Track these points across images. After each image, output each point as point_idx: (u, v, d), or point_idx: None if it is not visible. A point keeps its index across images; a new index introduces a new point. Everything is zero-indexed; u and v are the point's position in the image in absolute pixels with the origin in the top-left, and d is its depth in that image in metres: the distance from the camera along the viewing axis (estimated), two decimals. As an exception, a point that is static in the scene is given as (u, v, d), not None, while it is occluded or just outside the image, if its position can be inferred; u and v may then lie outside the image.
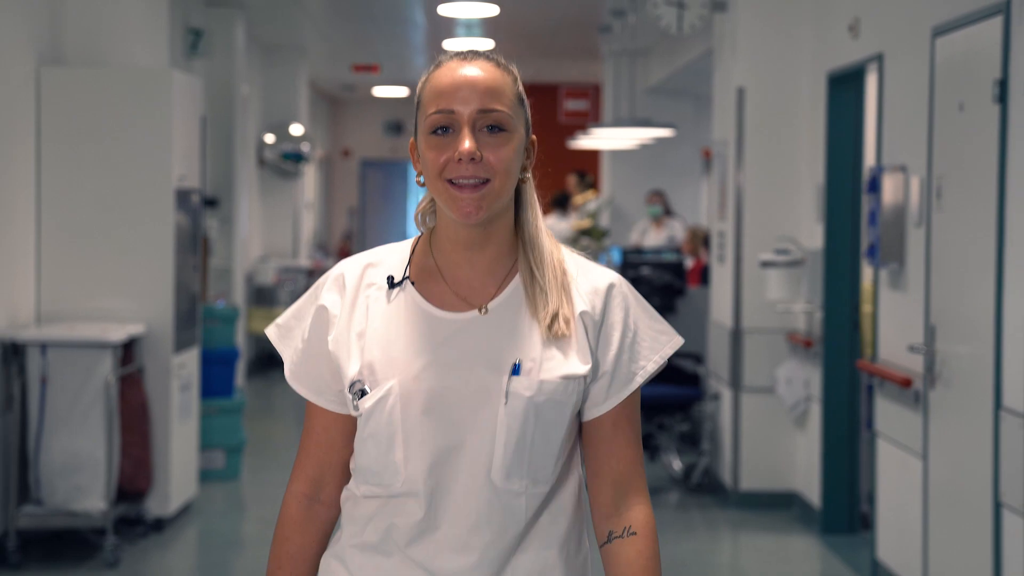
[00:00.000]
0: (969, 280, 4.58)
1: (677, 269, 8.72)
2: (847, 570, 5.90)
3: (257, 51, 12.14)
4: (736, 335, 7.02)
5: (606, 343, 1.89)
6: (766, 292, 6.81)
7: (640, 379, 1.90)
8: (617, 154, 12.40)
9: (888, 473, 5.50)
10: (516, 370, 1.85)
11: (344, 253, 18.25)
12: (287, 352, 1.95)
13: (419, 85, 1.91)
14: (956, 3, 4.67)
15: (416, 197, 17.83)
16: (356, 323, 1.89)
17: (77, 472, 5.73)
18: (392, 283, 1.91)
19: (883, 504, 5.56)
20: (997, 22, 4.34)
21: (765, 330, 6.96)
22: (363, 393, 1.86)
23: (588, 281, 1.91)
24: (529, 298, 1.88)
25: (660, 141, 11.05)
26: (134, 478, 6.05)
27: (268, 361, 12.32)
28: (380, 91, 17.26)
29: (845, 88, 6.31)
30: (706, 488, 7.42)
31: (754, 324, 6.98)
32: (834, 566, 6.00)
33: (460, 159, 1.81)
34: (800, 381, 6.71)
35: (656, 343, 1.92)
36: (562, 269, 1.90)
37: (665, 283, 8.67)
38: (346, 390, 1.88)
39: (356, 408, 1.87)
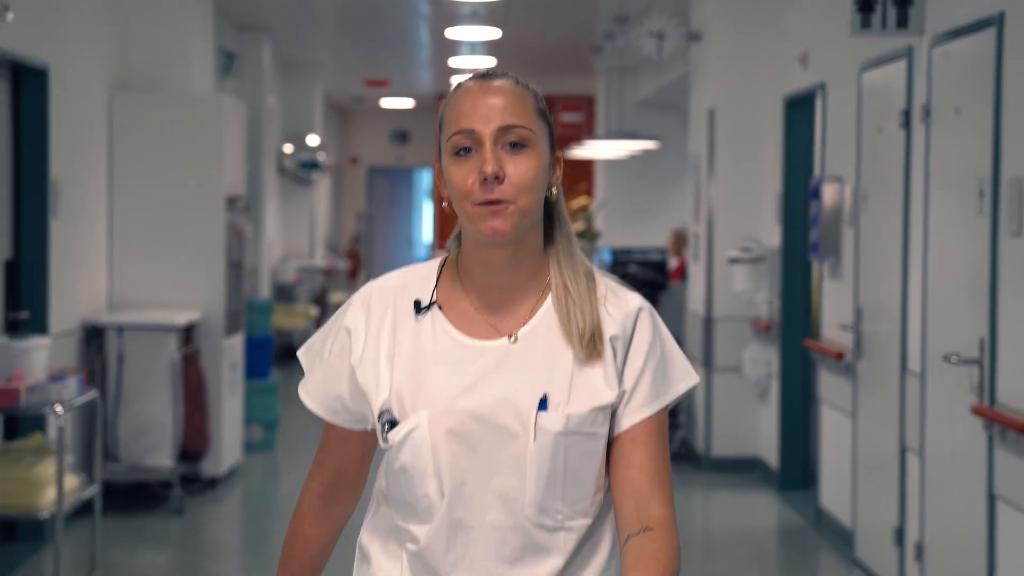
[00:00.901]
0: (884, 271, 5.67)
1: (660, 267, 9.83)
2: (797, 518, 6.98)
3: (278, 68, 13.21)
4: (708, 322, 8.10)
5: (631, 364, 1.86)
6: (733, 285, 7.90)
7: (659, 404, 1.87)
8: (610, 163, 13.48)
9: (828, 433, 6.59)
10: (543, 405, 1.81)
11: (352, 254, 19.32)
12: (310, 369, 1.95)
13: (440, 108, 1.90)
14: (877, 44, 5.75)
15: (421, 202, 18.91)
16: (383, 347, 1.87)
17: (148, 435, 6.80)
18: (419, 308, 1.88)
19: (824, 459, 6.65)
20: (902, 64, 5.43)
21: (733, 318, 8.05)
22: (392, 424, 1.84)
23: (619, 304, 1.88)
24: (562, 315, 1.85)
25: (648, 151, 12.12)
26: (194, 442, 7.12)
27: (288, 353, 13.40)
28: (387, 103, 18.34)
29: (799, 110, 7.39)
30: (683, 456, 8.49)
31: (723, 313, 8.06)
32: (787, 516, 7.08)
33: (484, 179, 1.80)
34: (762, 361, 7.79)
35: (680, 371, 1.90)
36: (594, 284, 1.88)
37: (649, 279, 9.78)
38: (374, 418, 1.87)
39: (386, 440, 1.85)
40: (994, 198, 4.49)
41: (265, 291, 11.39)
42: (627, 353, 1.86)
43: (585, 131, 15.30)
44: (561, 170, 1.90)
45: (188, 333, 7.19)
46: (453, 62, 13.49)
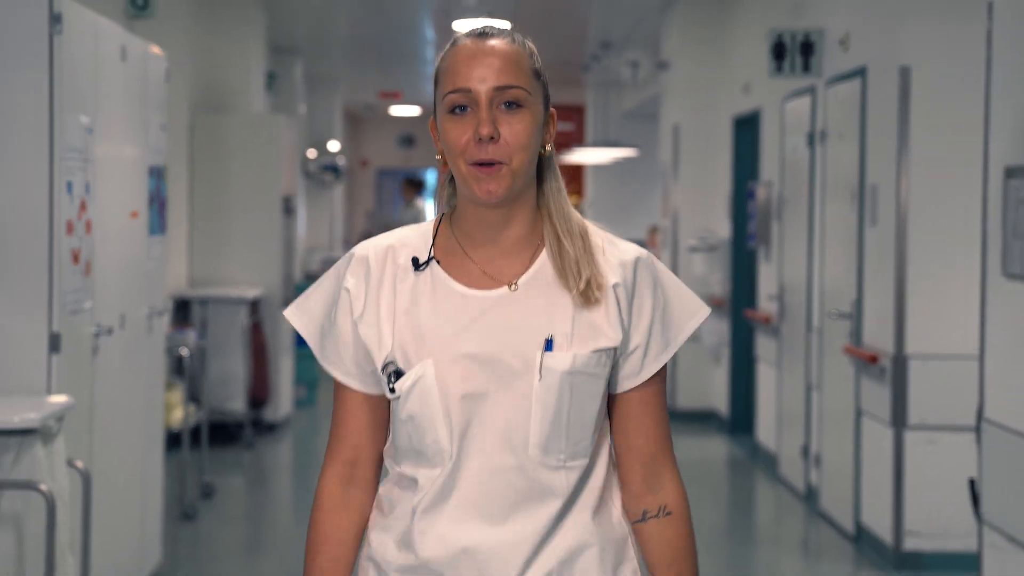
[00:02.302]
0: (797, 254, 7.46)
1: (638, 256, 11.65)
2: (740, 452, 8.78)
3: (305, 83, 14.99)
4: (673, 300, 9.89)
5: (638, 315, 1.88)
6: (693, 269, 9.69)
7: (674, 348, 1.91)
8: (598, 167, 15.26)
9: (762, 383, 8.39)
10: (549, 345, 1.83)
11: (363, 249, 21.12)
12: (308, 331, 1.94)
13: (436, 63, 1.89)
14: (794, 83, 7.52)
15: (426, 201, 20.66)
16: (384, 304, 1.87)
17: (226, 385, 8.58)
18: (417, 264, 1.89)
19: (760, 404, 8.45)
20: (808, 99, 7.23)
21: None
22: (398, 374, 1.85)
23: (617, 253, 1.90)
24: (558, 268, 1.86)
25: (629, 158, 13.91)
26: (259, 391, 8.91)
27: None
28: (396, 110, 20.13)
29: (745, 128, 9.17)
30: (653, 411, 10.27)
31: (686, 292, 9.85)
32: (733, 452, 8.87)
33: (480, 139, 1.80)
34: (716, 331, 9.57)
35: (685, 313, 1.92)
36: (589, 238, 1.90)
37: (628, 267, 11.60)
38: (379, 371, 1.87)
39: (392, 390, 1.86)
40: (860, 199, 6.29)
41: (298, 278, 13.16)
42: (631, 303, 1.88)
43: (576, 139, 17.08)
44: (555, 127, 1.92)
45: (254, 306, 8.97)
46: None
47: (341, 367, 1.91)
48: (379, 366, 1.86)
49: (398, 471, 1.91)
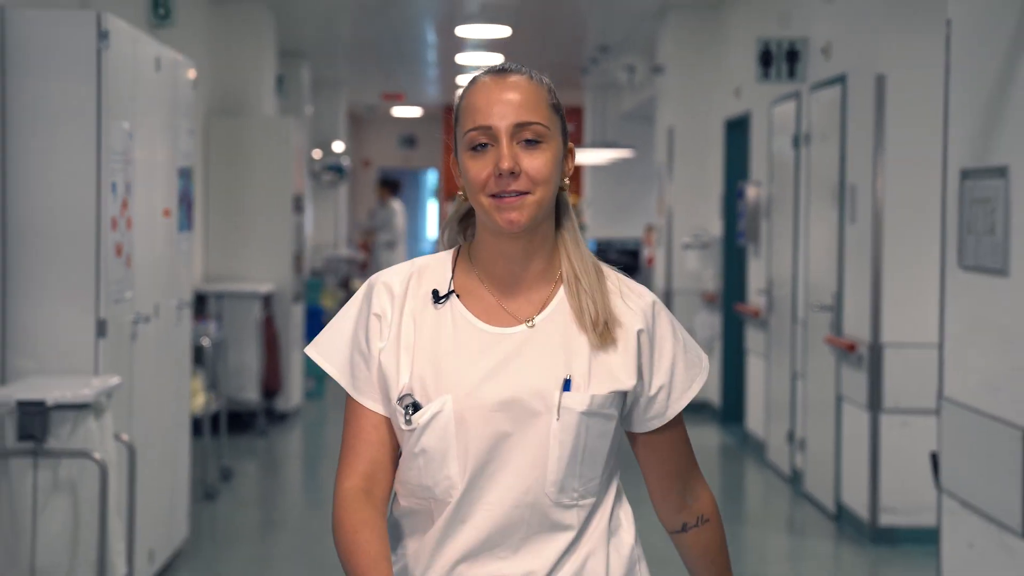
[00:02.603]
0: (784, 250, 7.88)
1: (634, 254, 12.08)
2: (731, 440, 9.20)
3: (311, 85, 15.40)
4: (668, 295, 10.31)
5: (659, 357, 1.94)
6: (686, 265, 10.11)
7: (697, 387, 1.97)
8: (596, 168, 15.67)
9: (751, 374, 8.81)
10: (567, 385, 1.86)
11: (364, 246, 21.53)
12: (337, 370, 1.93)
13: (456, 102, 1.93)
14: (781, 88, 7.93)
15: (426, 201, 21.08)
16: (405, 334, 1.89)
17: (241, 376, 8.99)
18: (438, 297, 1.91)
19: (749, 394, 8.87)
20: (793, 103, 7.65)
21: (687, 291, 10.25)
22: (415, 407, 1.86)
23: (635, 298, 1.95)
24: (574, 304, 1.89)
25: (627, 158, 14.32)
26: (271, 382, 9.32)
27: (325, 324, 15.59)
28: (398, 111, 20.55)
29: (736, 130, 9.59)
30: (649, 402, 10.69)
31: (680, 287, 10.27)
32: (724, 439, 9.29)
33: (500, 174, 1.83)
34: (709, 324, 9.99)
35: (696, 350, 2.00)
36: (604, 278, 1.94)
37: (625, 264, 11.99)
38: (394, 402, 1.88)
39: (408, 422, 1.86)
40: (840, 197, 6.71)
41: (306, 275, 13.58)
42: (652, 347, 1.93)
43: (574, 140, 17.47)
44: (573, 161, 1.95)
45: (267, 300, 9.39)
46: (459, 79, 15.72)
47: (372, 395, 1.91)
48: (395, 396, 1.88)
49: (404, 506, 1.93)
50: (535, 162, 1.85)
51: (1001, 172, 3.99)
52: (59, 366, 4.43)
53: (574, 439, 1.85)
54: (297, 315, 9.94)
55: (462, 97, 1.91)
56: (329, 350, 1.94)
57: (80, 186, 4.47)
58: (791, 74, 7.49)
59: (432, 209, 24.04)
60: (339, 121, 16.54)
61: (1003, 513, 3.93)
